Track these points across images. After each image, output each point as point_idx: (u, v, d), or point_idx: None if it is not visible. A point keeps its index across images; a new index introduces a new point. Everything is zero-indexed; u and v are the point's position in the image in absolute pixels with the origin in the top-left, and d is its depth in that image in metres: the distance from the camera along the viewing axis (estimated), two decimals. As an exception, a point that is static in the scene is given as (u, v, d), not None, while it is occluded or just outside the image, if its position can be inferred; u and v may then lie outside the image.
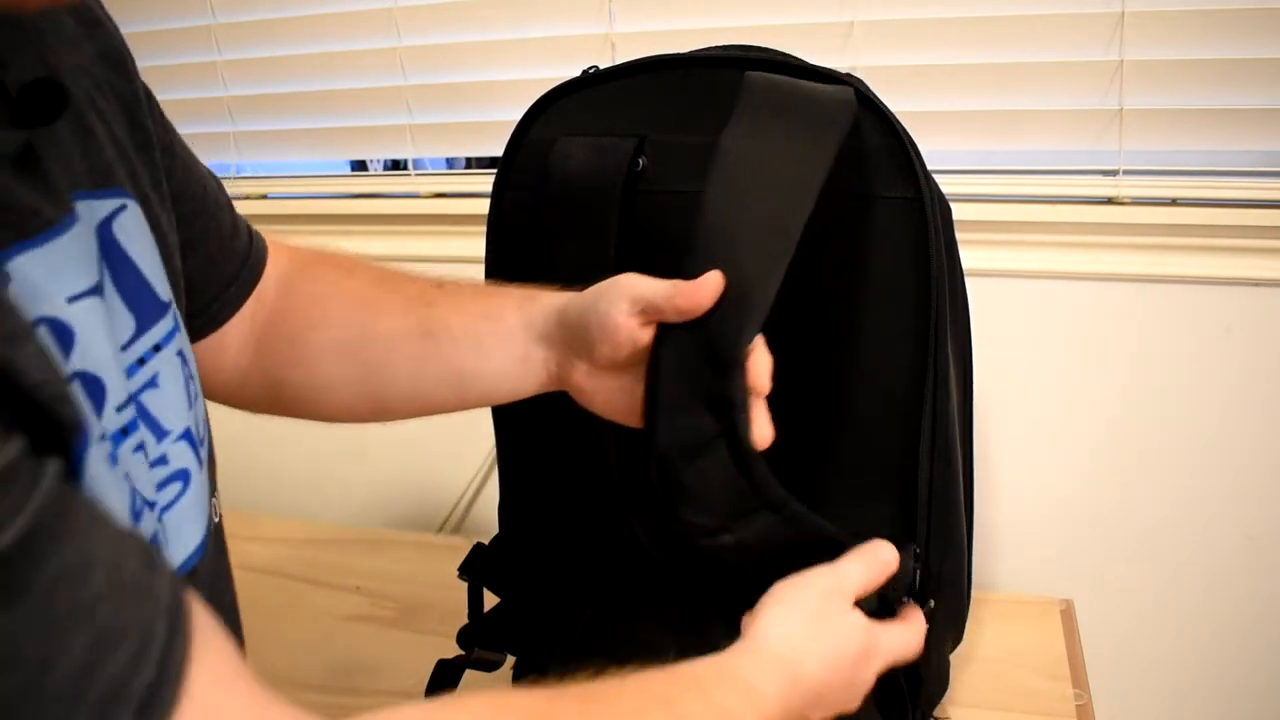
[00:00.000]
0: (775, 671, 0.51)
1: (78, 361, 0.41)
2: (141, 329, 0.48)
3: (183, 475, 0.50)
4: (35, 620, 0.27)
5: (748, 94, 0.58)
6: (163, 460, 0.49)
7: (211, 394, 0.64)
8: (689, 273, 0.53)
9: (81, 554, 0.28)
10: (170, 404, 0.50)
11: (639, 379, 0.56)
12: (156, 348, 0.49)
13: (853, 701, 0.55)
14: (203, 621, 0.32)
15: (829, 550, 0.57)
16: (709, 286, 0.53)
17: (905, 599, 0.59)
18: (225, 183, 0.65)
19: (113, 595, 0.29)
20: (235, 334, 0.64)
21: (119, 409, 0.44)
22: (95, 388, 0.43)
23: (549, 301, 0.61)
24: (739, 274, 0.53)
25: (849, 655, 0.54)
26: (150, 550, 0.31)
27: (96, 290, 0.43)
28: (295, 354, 0.65)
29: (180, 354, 0.51)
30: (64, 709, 0.27)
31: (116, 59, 0.53)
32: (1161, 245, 0.90)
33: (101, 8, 0.53)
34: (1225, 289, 0.89)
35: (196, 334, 0.61)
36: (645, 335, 0.55)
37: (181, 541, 0.50)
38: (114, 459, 0.42)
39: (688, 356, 0.54)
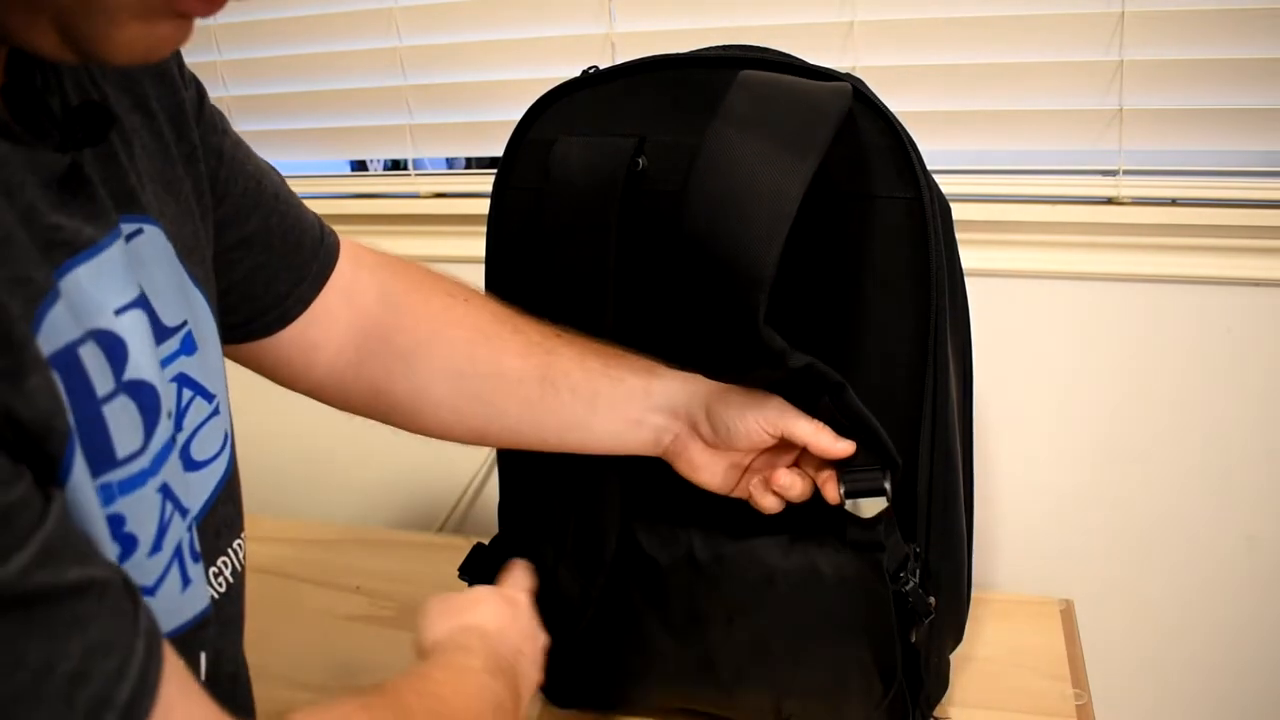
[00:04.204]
0: (469, 641, 0.55)
1: (131, 371, 0.42)
2: None
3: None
4: (43, 629, 0.31)
5: (732, 98, 0.58)
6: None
7: (307, 391, 0.67)
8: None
9: (81, 575, 0.32)
10: None
11: (746, 457, 0.65)
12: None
13: (534, 634, 0.60)
14: (167, 650, 0.36)
15: (874, 448, 0.61)
16: (845, 447, 0.61)
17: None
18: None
19: (101, 613, 0.33)
20: (328, 335, 0.65)
21: (170, 415, 0.45)
22: (149, 396, 0.44)
23: (672, 378, 0.65)
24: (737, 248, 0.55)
25: (493, 600, 0.60)
26: (129, 581, 0.35)
27: (139, 302, 0.44)
28: (405, 369, 0.66)
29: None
30: (60, 710, 0.30)
31: (160, 70, 0.52)
32: (1162, 245, 0.90)
33: None
34: (1226, 289, 0.89)
35: (268, 330, 0.62)
36: (770, 440, 0.62)
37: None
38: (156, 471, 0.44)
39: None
